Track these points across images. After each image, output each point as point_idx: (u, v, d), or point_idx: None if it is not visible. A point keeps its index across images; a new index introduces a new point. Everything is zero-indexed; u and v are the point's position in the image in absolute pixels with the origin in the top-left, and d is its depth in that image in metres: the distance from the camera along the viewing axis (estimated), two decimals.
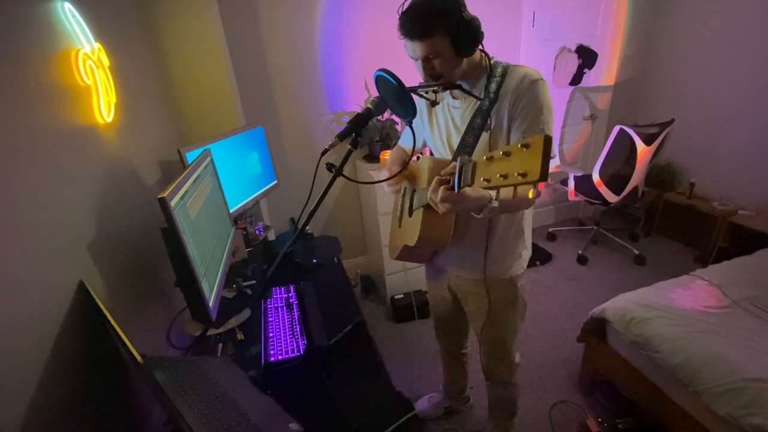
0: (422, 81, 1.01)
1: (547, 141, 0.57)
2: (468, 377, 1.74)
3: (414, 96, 1.08)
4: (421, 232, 1.05)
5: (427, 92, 1.05)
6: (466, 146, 1.03)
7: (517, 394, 1.48)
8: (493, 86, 0.98)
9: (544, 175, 0.58)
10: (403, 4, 0.91)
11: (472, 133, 1.02)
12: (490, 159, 0.67)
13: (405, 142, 1.35)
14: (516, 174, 0.60)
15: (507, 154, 0.63)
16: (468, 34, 0.92)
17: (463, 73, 1.00)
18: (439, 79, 0.98)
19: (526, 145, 0.60)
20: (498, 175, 0.64)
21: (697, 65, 2.88)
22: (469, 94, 1.02)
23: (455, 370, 1.70)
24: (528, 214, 1.18)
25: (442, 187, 0.81)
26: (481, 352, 1.37)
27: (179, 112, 1.83)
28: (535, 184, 0.60)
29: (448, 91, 1.09)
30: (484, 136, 1.01)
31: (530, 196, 0.67)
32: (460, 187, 0.75)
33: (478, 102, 1.01)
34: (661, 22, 3.00)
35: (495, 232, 1.12)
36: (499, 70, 0.99)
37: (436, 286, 1.38)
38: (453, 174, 0.78)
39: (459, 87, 1.01)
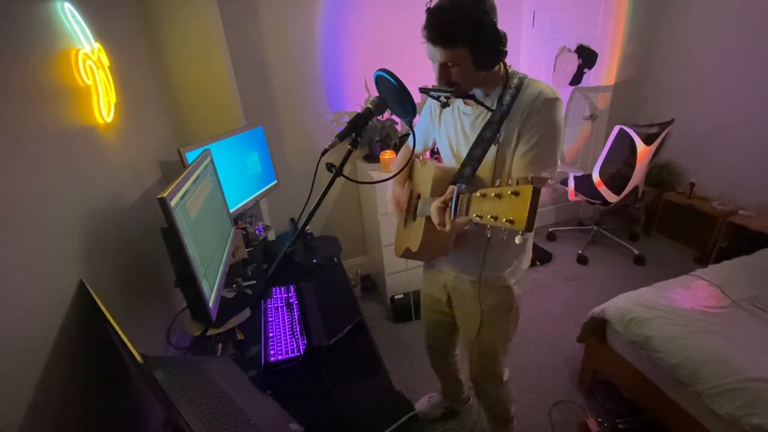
0: (435, 84, 0.99)
1: (535, 193, 0.60)
2: (463, 381, 1.73)
3: (424, 95, 1.08)
4: (423, 240, 1.08)
5: (438, 96, 1.04)
6: (473, 159, 1.01)
7: (509, 405, 1.46)
8: (507, 98, 0.96)
9: (529, 226, 0.60)
10: (432, 0, 0.88)
11: (480, 145, 1.00)
12: (483, 196, 0.70)
13: (418, 144, 1.33)
14: (504, 220, 0.63)
15: (498, 196, 0.66)
16: (493, 49, 0.89)
17: (477, 83, 0.98)
18: (453, 86, 0.96)
19: (515, 193, 0.62)
20: (489, 216, 0.67)
21: (697, 65, 2.88)
22: (482, 104, 0.99)
23: (447, 379, 1.70)
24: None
25: (440, 213, 0.84)
26: (470, 362, 1.34)
27: (179, 112, 1.83)
28: (521, 232, 0.61)
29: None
30: (492, 149, 0.99)
31: (517, 242, 0.64)
32: (455, 216, 0.78)
33: (490, 113, 0.98)
34: (661, 22, 3.00)
35: (495, 238, 1.09)
36: (515, 81, 0.96)
37: (433, 284, 1.36)
38: (451, 199, 0.80)
39: (472, 97, 0.99)
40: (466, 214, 0.73)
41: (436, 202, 0.86)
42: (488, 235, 0.75)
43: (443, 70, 0.94)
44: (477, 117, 1.03)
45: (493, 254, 1.11)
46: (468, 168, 1.02)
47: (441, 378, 1.71)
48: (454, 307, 1.31)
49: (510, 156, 0.99)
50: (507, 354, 1.31)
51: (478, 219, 0.70)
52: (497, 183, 0.68)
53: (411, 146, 1.34)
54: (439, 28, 0.87)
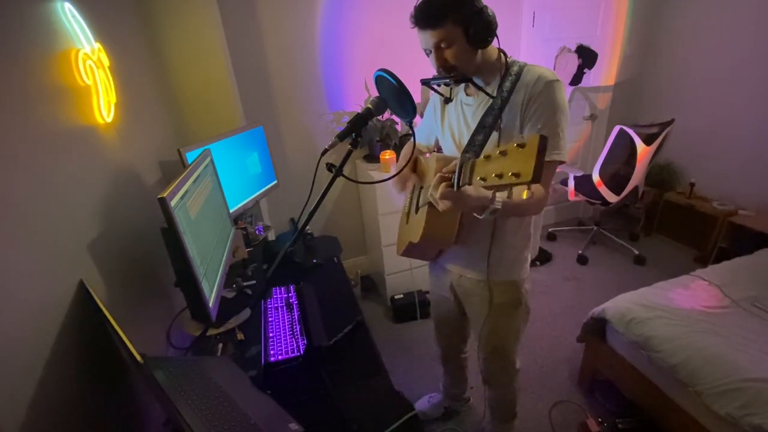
0: (436, 74, 1.00)
1: (542, 141, 0.57)
2: (468, 379, 1.74)
3: (425, 95, 1.08)
4: (425, 228, 1.05)
5: (440, 85, 1.04)
6: (474, 144, 1.02)
7: (516, 398, 1.47)
8: (507, 85, 0.97)
9: (537, 176, 0.57)
10: None
11: (482, 131, 1.01)
12: (487, 158, 0.67)
13: (419, 138, 1.34)
14: (510, 174, 0.60)
15: (503, 153, 0.63)
16: (481, 23, 0.90)
17: (477, 69, 0.98)
18: (452, 71, 0.96)
19: (521, 145, 0.59)
20: (493, 175, 0.64)
21: (696, 65, 2.88)
22: (482, 90, 1.00)
23: (455, 373, 1.70)
24: (536, 220, 1.15)
25: (442, 184, 0.80)
26: (481, 355, 1.35)
27: (179, 112, 1.83)
28: (528, 184, 0.58)
29: (462, 88, 1.08)
30: (494, 136, 1.00)
31: (524, 196, 0.62)
32: (459, 186, 0.75)
33: (491, 100, 0.99)
34: (661, 22, 3.00)
35: (500, 234, 1.10)
36: (515, 69, 0.98)
37: (439, 285, 1.37)
38: (454, 172, 0.77)
39: (471, 81, 1.00)
40: (470, 183, 0.71)
41: (440, 174, 0.84)
42: (487, 212, 0.71)
43: (438, 54, 0.95)
44: (478, 106, 1.03)
45: (497, 250, 1.11)
46: (470, 153, 1.02)
47: (448, 373, 1.71)
48: (463, 302, 1.32)
49: None
50: (519, 344, 1.32)
51: (482, 182, 0.67)
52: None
53: (422, 144, 1.35)
54: (424, 10, 0.90)
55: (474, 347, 1.37)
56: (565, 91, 0.96)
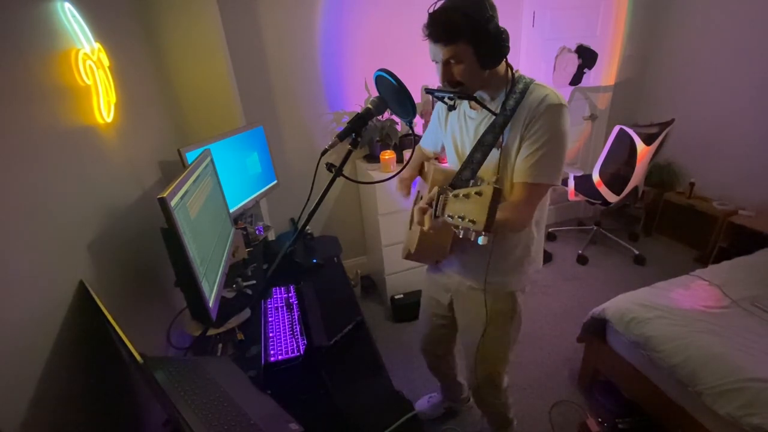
0: (440, 85, 0.99)
1: (497, 193, 0.60)
2: (462, 382, 1.72)
3: (426, 95, 1.08)
4: (420, 241, 1.08)
5: (442, 97, 1.03)
6: (473, 162, 1.01)
7: (506, 411, 1.44)
8: (511, 103, 0.95)
9: (488, 226, 0.60)
10: (435, 3, 0.89)
11: (481, 149, 1.00)
12: (456, 196, 0.71)
13: (424, 143, 1.35)
14: (467, 219, 0.64)
15: (466, 196, 0.67)
16: (494, 46, 0.89)
17: (482, 84, 0.97)
18: (457, 86, 0.95)
19: (479, 193, 0.63)
20: (457, 216, 0.68)
21: (697, 65, 2.88)
22: (485, 108, 0.98)
23: (446, 380, 1.69)
24: (538, 235, 1.13)
25: (419, 212, 0.83)
26: (468, 369, 1.32)
27: (179, 112, 1.83)
28: (481, 233, 0.61)
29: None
30: (495, 154, 0.99)
31: (480, 242, 0.62)
32: (435, 216, 0.78)
33: (493, 117, 0.97)
34: (661, 22, 3.00)
35: (499, 245, 1.09)
36: (521, 86, 0.95)
37: (434, 287, 1.35)
38: (434, 200, 0.80)
39: (475, 99, 0.98)
40: (443, 215, 0.74)
41: (421, 202, 0.86)
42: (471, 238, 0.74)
43: (446, 69, 0.93)
44: (481, 121, 1.02)
45: (497, 259, 1.10)
46: (467, 171, 1.02)
47: (439, 380, 1.71)
48: (456, 311, 1.30)
49: (513, 160, 0.98)
50: (508, 362, 1.30)
51: (450, 219, 0.71)
52: (471, 183, 0.69)
53: (420, 147, 1.36)
54: (440, 25, 0.87)
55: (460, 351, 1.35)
56: (568, 117, 0.93)
